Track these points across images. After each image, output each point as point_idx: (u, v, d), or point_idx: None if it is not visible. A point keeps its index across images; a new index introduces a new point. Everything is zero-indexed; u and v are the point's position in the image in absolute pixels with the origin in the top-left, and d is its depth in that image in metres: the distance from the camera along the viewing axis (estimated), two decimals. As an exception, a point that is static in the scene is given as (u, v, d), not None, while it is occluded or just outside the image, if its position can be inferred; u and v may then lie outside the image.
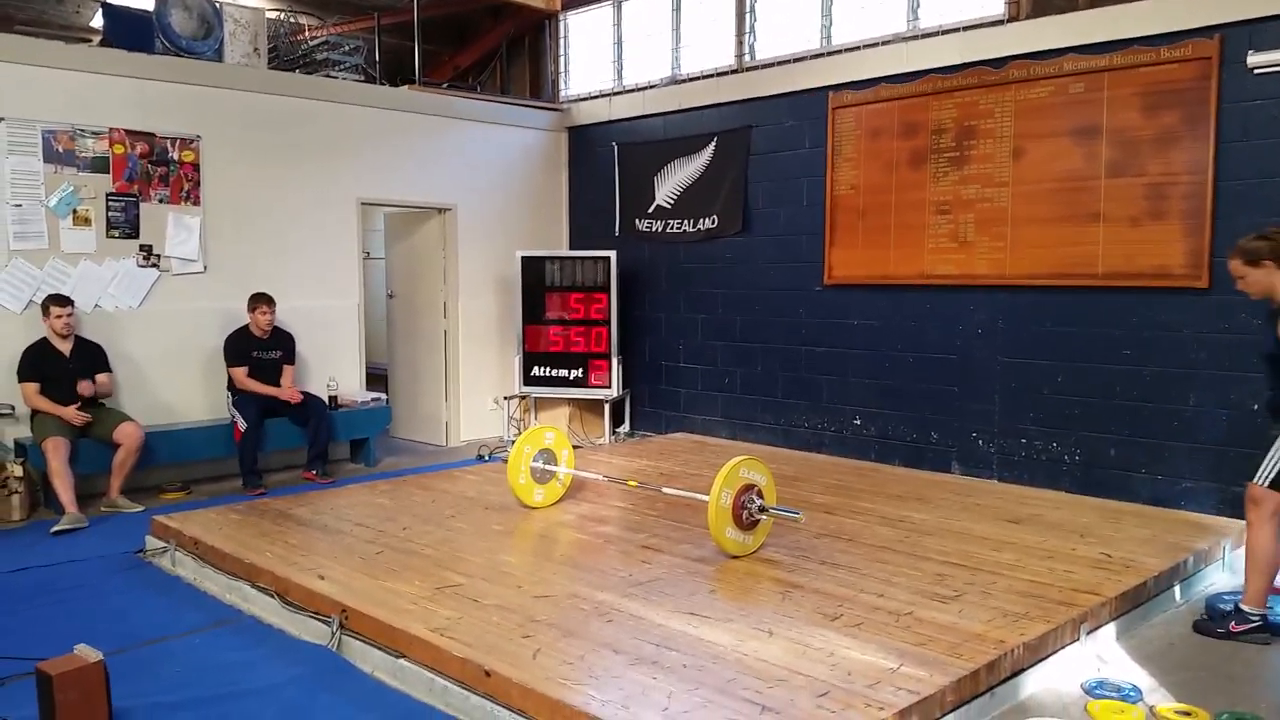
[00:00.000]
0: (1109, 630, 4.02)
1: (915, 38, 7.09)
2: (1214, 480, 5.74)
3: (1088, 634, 3.86)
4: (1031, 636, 3.59)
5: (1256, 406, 5.55)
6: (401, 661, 3.60)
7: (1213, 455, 5.76)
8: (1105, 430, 6.17)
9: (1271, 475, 4.00)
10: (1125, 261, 6.01)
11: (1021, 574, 4.34)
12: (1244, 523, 4.20)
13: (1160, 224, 5.88)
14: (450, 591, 4.09)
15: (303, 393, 7.22)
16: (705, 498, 4.56)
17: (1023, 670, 3.52)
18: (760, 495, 4.62)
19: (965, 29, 6.78)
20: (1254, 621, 4.04)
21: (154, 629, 4.16)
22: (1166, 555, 4.65)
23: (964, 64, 6.66)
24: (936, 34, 6.96)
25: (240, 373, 6.96)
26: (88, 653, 3.19)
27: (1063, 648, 3.74)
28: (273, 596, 4.29)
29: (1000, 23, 6.63)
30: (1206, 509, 5.68)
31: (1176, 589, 4.55)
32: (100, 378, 6.38)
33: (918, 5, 7.16)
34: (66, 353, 6.28)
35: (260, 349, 7.09)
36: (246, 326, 7.08)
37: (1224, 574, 4.91)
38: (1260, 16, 5.48)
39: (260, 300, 7.01)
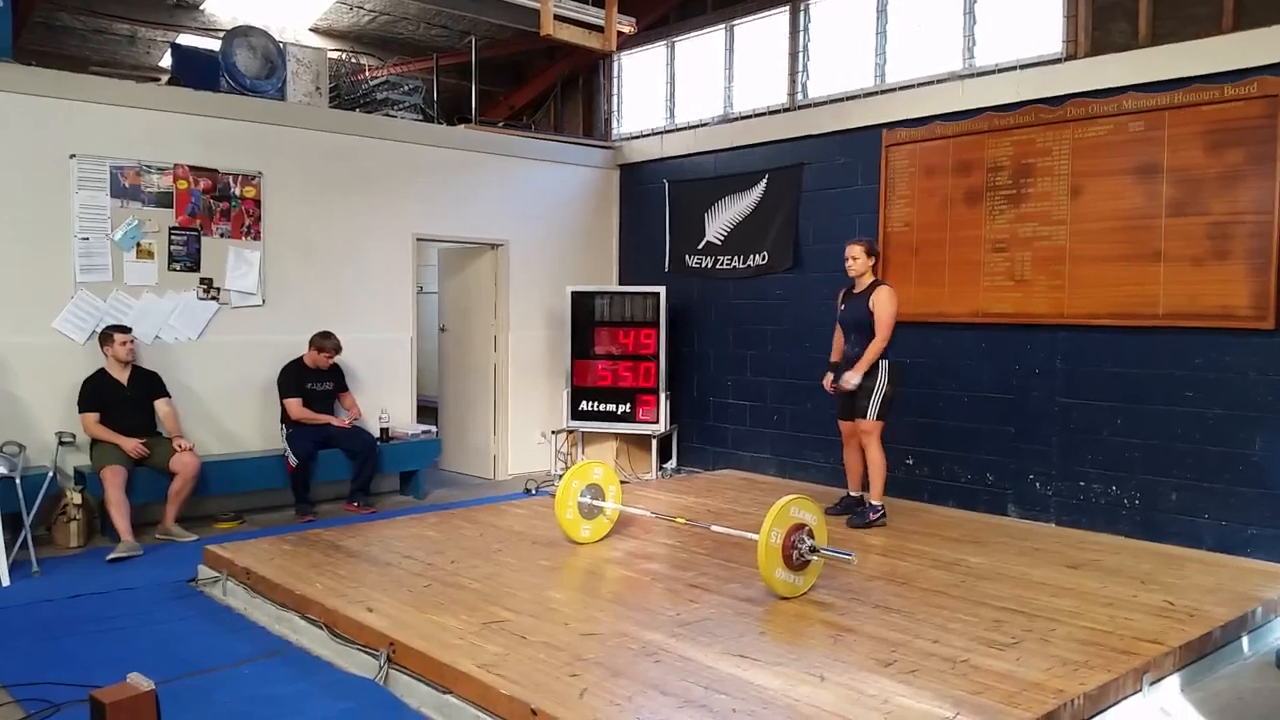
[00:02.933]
0: (1173, 681, 3.89)
1: (971, 76, 7.05)
2: (1283, 528, 5.56)
3: (1150, 685, 3.74)
4: (1092, 686, 3.48)
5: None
6: (448, 697, 3.58)
7: (1281, 502, 5.58)
8: (1167, 474, 6.00)
9: (876, 411, 5.88)
10: (1188, 301, 5.88)
11: (1081, 621, 4.22)
12: None
13: (1224, 264, 5.75)
14: (497, 627, 4.07)
15: (354, 424, 7.32)
16: (754, 536, 4.50)
17: (1083, 722, 3.41)
18: (811, 535, 4.55)
19: (1022, 67, 6.73)
20: (881, 510, 6.00)
21: (204, 659, 4.19)
22: (1233, 605, 4.50)
23: (1021, 102, 6.60)
24: (993, 72, 6.92)
25: (295, 404, 7.07)
26: (140, 681, 3.20)
27: (1124, 699, 3.62)
28: (321, 628, 4.31)
29: (1058, 61, 6.57)
30: (1275, 557, 5.48)
31: (1244, 640, 4.39)
32: (173, 429, 6.56)
33: (973, 44, 7.12)
34: (124, 381, 6.42)
35: (313, 380, 7.22)
36: (300, 359, 7.20)
37: (1295, 626, 4.74)
38: (1327, 53, 5.39)
39: (324, 339, 7.18)
